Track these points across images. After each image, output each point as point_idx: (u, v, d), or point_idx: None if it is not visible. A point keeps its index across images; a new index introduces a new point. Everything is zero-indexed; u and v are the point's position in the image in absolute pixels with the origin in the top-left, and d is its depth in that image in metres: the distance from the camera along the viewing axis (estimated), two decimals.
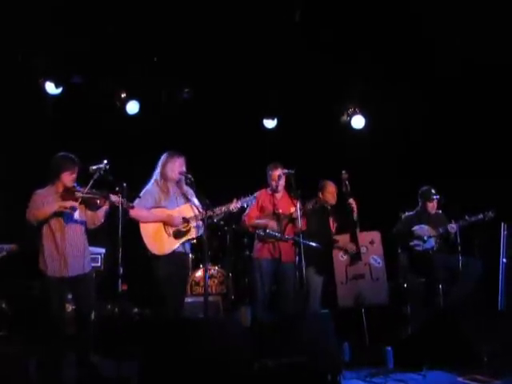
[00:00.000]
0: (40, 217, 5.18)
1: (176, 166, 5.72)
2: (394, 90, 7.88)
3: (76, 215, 5.27)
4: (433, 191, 6.94)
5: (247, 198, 5.81)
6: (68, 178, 5.24)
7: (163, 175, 5.74)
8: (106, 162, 5.21)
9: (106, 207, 5.30)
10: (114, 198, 5.18)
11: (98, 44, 7.12)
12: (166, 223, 5.62)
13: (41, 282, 5.28)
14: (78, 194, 5.18)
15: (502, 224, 6.74)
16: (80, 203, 5.23)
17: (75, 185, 5.26)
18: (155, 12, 6.83)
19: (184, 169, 5.74)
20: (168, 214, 5.62)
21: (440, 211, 7.01)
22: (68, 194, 5.22)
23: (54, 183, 5.30)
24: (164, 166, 5.75)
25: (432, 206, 6.95)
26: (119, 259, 5.10)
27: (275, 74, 7.71)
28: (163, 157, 5.79)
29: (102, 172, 5.20)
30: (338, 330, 5.21)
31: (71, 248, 5.24)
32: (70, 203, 5.14)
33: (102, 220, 5.39)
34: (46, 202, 5.22)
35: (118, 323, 6.24)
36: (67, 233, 5.22)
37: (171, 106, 8.26)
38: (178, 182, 5.77)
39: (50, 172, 5.29)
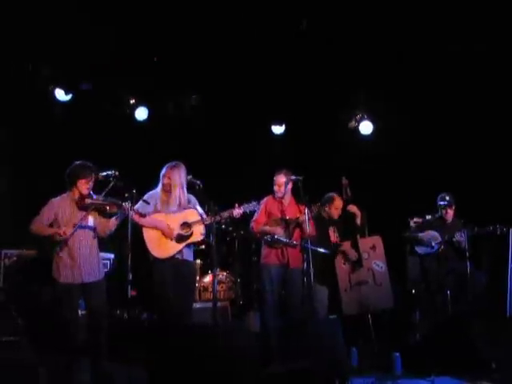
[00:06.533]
0: (37, 233, 5.25)
1: (172, 177, 5.77)
2: (401, 95, 7.88)
3: (89, 222, 5.32)
4: (447, 198, 6.86)
5: (250, 204, 5.86)
6: (84, 186, 5.27)
7: (163, 186, 5.83)
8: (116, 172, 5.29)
9: (119, 216, 5.35)
10: (126, 206, 5.24)
11: (106, 50, 7.17)
12: (163, 232, 5.70)
13: (53, 288, 5.30)
14: (90, 202, 5.24)
15: (511, 231, 6.72)
16: (93, 210, 5.29)
17: (91, 193, 5.32)
18: (164, 18, 6.89)
19: (179, 179, 5.78)
20: (166, 225, 5.70)
21: (462, 220, 6.86)
22: (82, 201, 5.27)
23: (70, 190, 5.33)
24: (162, 177, 5.83)
25: (446, 213, 6.87)
26: (129, 265, 5.13)
27: (283, 80, 7.73)
28: (163, 169, 5.86)
29: (111, 178, 5.26)
30: (345, 335, 5.23)
31: (85, 255, 5.27)
32: (64, 230, 5.15)
33: (113, 229, 5.43)
34: (61, 211, 5.26)
35: (128, 329, 6.26)
36: (80, 240, 5.25)
37: (180, 112, 8.31)
38: (181, 190, 5.82)
39: (67, 179, 5.32)
